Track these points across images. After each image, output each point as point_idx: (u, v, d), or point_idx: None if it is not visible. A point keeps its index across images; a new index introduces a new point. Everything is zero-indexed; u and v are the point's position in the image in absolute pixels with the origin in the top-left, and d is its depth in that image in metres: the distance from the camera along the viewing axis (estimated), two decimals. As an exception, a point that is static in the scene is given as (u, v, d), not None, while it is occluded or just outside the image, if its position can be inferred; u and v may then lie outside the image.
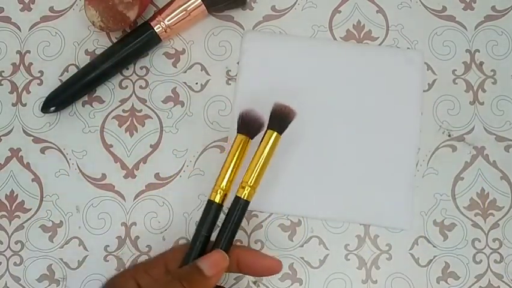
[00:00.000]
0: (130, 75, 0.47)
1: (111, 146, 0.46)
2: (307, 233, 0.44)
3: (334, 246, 0.44)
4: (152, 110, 0.46)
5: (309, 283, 0.43)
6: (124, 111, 0.46)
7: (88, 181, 0.45)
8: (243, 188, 0.38)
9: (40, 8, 0.49)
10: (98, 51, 0.47)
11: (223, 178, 0.39)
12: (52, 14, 0.49)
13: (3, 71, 0.47)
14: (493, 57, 0.47)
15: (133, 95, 0.47)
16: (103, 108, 0.47)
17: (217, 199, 0.39)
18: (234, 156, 0.39)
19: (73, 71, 0.47)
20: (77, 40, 0.48)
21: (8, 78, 0.47)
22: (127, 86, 0.47)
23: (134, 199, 0.45)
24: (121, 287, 0.37)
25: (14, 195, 0.45)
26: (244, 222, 0.44)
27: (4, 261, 0.44)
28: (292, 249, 0.44)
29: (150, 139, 0.46)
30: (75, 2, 0.49)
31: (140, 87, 0.47)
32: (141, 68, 0.47)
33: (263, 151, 0.39)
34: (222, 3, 0.46)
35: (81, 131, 0.46)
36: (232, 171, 0.39)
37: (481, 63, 0.47)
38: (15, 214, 0.45)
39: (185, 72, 0.47)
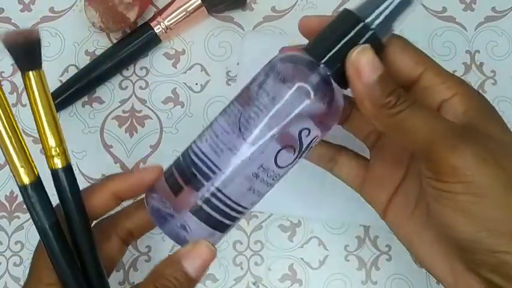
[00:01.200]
0: (130, 76, 0.47)
1: (111, 146, 0.46)
2: (307, 234, 0.44)
3: (334, 247, 0.44)
4: (152, 111, 0.46)
5: (309, 284, 0.43)
6: (124, 111, 0.46)
7: (88, 182, 0.45)
8: (52, 156, 0.30)
9: (40, 8, 0.49)
10: (98, 52, 0.47)
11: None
12: (52, 15, 0.49)
13: (3, 72, 0.47)
14: (493, 58, 0.47)
15: (133, 95, 0.47)
16: (103, 108, 0.47)
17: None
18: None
19: (72, 71, 0.47)
20: (77, 41, 0.48)
21: (8, 78, 0.47)
22: (127, 87, 0.47)
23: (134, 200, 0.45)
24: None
25: (14, 195, 0.45)
26: (243, 223, 0.44)
27: (4, 261, 0.44)
28: (292, 250, 0.44)
29: (150, 140, 0.46)
30: (75, 2, 0.49)
31: (140, 87, 0.47)
32: (141, 68, 0.47)
33: (36, 103, 0.30)
34: (222, 4, 0.47)
35: (81, 131, 0.46)
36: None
37: (481, 64, 0.47)
38: (15, 214, 0.45)
39: (185, 72, 0.47)
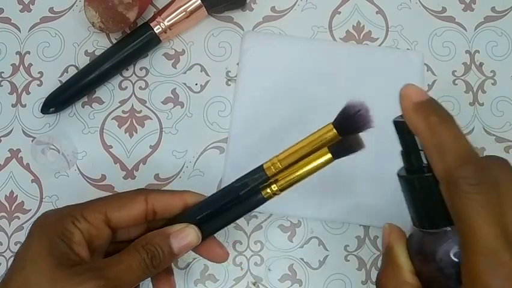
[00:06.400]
0: (130, 76, 0.47)
1: (111, 146, 0.46)
2: (307, 234, 0.44)
3: (334, 247, 0.44)
4: (152, 111, 0.46)
5: (309, 284, 0.43)
6: (123, 112, 0.46)
7: (88, 182, 0.45)
8: (270, 185, 0.35)
9: (40, 8, 0.49)
10: (98, 52, 0.47)
11: (285, 154, 0.34)
12: (52, 15, 0.49)
13: (3, 72, 0.47)
14: (492, 58, 0.47)
15: (133, 95, 0.47)
16: (103, 109, 0.47)
17: (269, 171, 0.34)
18: (310, 141, 0.34)
19: (72, 71, 0.47)
20: (76, 41, 0.48)
21: (8, 79, 0.47)
22: (126, 87, 0.47)
23: (134, 200, 0.45)
24: (56, 226, 0.33)
25: (14, 196, 0.45)
26: (243, 223, 0.44)
27: (4, 262, 0.44)
28: (292, 250, 0.44)
29: (150, 140, 0.46)
30: (75, 2, 0.49)
31: (140, 88, 0.47)
32: (141, 69, 0.47)
33: (308, 164, 0.34)
34: (221, 4, 0.47)
35: (81, 131, 0.46)
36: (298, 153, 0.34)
37: (481, 64, 0.47)
38: (14, 215, 0.45)
39: (185, 73, 0.47)
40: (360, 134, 0.33)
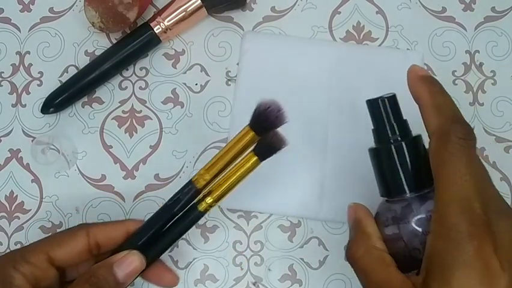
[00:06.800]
0: (130, 76, 0.47)
1: (111, 146, 0.46)
2: (307, 234, 0.44)
3: (334, 247, 0.44)
4: (152, 111, 0.46)
5: (309, 284, 0.43)
6: (123, 112, 0.46)
7: (88, 182, 0.45)
8: (204, 197, 0.35)
9: (40, 8, 0.49)
10: (98, 52, 0.47)
11: (210, 163, 0.35)
12: (52, 15, 0.49)
13: (3, 72, 0.47)
14: (492, 58, 0.47)
15: (133, 95, 0.47)
16: (103, 109, 0.47)
17: (199, 183, 0.35)
18: (231, 146, 0.35)
19: (72, 71, 0.47)
20: (76, 41, 0.48)
21: (8, 79, 0.47)
22: (126, 87, 0.47)
23: (134, 200, 0.45)
24: None
25: (14, 196, 0.45)
26: (243, 223, 0.44)
27: (4, 262, 0.44)
28: (292, 250, 0.44)
29: (150, 140, 0.46)
30: (75, 2, 0.49)
31: (140, 88, 0.47)
32: (141, 69, 0.47)
33: (237, 171, 0.35)
34: (221, 4, 0.47)
35: (81, 131, 0.46)
36: (220, 164, 0.35)
37: (481, 64, 0.47)
38: (14, 215, 0.45)
39: (185, 73, 0.47)
40: (281, 130, 0.35)
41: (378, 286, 0.30)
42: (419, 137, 0.33)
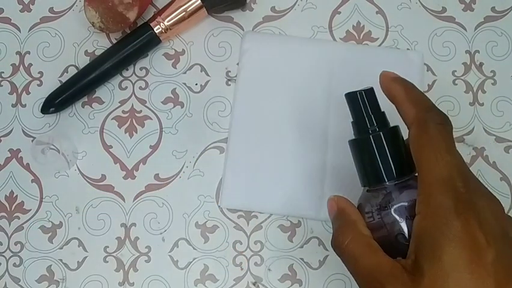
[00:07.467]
0: (130, 76, 0.47)
1: (111, 146, 0.46)
2: (307, 234, 0.44)
3: (334, 247, 0.44)
4: (152, 111, 0.46)
5: (309, 284, 0.43)
6: (123, 112, 0.46)
7: (88, 182, 0.45)
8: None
9: (40, 8, 0.49)
10: (98, 52, 0.47)
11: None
12: (52, 15, 0.49)
13: (3, 72, 0.47)
14: (492, 58, 0.47)
15: (133, 95, 0.47)
16: (103, 109, 0.47)
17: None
18: None
19: (72, 71, 0.47)
20: (76, 41, 0.48)
21: (8, 79, 0.47)
22: (126, 87, 0.47)
23: (134, 200, 0.45)
24: None
25: (14, 196, 0.45)
26: (243, 223, 0.44)
27: (4, 262, 0.44)
28: (292, 250, 0.44)
29: (150, 140, 0.46)
30: (75, 2, 0.49)
31: (140, 88, 0.47)
32: (141, 68, 0.47)
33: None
34: (221, 4, 0.47)
35: (81, 131, 0.46)
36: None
37: (481, 64, 0.47)
38: (14, 215, 0.45)
39: (185, 73, 0.47)
40: None
41: (368, 272, 0.30)
42: (396, 127, 0.34)
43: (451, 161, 0.29)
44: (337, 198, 0.35)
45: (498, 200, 0.31)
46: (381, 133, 0.33)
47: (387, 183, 0.32)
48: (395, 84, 0.33)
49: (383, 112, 0.34)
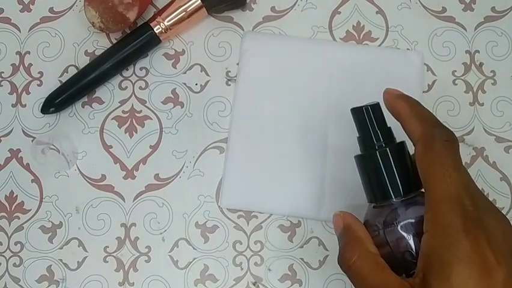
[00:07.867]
0: (130, 76, 0.47)
1: (111, 146, 0.46)
2: (307, 234, 0.44)
3: (334, 247, 0.44)
4: (152, 111, 0.46)
5: (309, 284, 0.43)
6: (123, 112, 0.46)
7: (88, 182, 0.45)
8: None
9: (40, 8, 0.49)
10: (98, 52, 0.47)
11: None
12: (52, 15, 0.49)
13: (3, 72, 0.47)
14: (492, 58, 0.47)
15: (133, 95, 0.47)
16: (103, 109, 0.47)
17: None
18: None
19: (72, 71, 0.47)
20: (76, 41, 0.48)
21: (8, 79, 0.47)
22: (126, 87, 0.47)
23: (134, 200, 0.45)
24: None
25: (14, 196, 0.45)
26: (243, 223, 0.44)
27: (4, 262, 0.44)
28: (292, 250, 0.44)
29: (150, 140, 0.46)
30: (75, 2, 0.49)
31: (140, 88, 0.47)
32: (141, 68, 0.47)
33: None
34: (221, 4, 0.47)
35: (81, 131, 0.46)
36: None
37: (481, 64, 0.47)
38: (14, 215, 0.45)
39: (185, 73, 0.47)
40: None
41: None
42: (403, 143, 0.33)
43: (458, 179, 0.29)
44: (343, 214, 0.34)
45: (506, 217, 0.30)
46: (387, 149, 0.32)
47: (394, 200, 0.32)
48: (400, 101, 0.33)
49: (390, 127, 0.34)
